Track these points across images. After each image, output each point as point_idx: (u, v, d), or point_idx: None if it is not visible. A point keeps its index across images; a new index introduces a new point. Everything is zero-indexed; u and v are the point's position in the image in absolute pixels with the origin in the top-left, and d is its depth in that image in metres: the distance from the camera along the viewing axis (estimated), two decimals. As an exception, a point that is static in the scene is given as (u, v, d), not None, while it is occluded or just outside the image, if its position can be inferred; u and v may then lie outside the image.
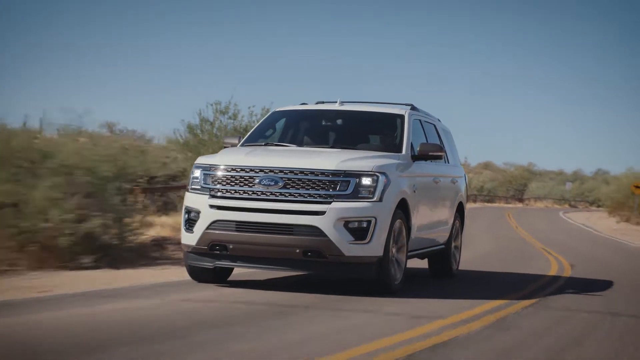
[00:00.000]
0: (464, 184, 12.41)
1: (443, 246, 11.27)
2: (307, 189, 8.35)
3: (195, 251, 8.74)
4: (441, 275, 11.57)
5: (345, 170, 8.41)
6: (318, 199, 8.32)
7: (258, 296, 8.35)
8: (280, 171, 8.43)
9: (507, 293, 9.73)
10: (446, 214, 11.17)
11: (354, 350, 5.68)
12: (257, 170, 8.49)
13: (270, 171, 8.45)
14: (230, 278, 9.42)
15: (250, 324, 6.63)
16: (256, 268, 8.77)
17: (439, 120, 12.17)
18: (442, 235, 11.09)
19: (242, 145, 9.88)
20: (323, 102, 10.95)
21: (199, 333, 6.08)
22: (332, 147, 9.53)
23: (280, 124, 10.52)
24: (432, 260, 11.55)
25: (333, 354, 5.50)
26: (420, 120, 10.65)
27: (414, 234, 9.48)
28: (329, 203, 8.30)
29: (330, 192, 8.34)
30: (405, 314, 7.58)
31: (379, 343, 5.98)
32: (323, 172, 8.39)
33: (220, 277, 9.26)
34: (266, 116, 10.58)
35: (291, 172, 8.41)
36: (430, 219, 10.31)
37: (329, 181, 8.37)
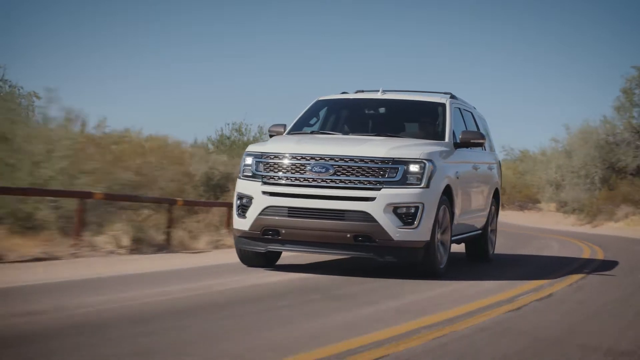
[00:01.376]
0: (499, 170, 12.69)
1: (480, 231, 11.56)
2: (357, 176, 8.64)
3: (248, 236, 9.04)
4: (478, 259, 11.86)
5: (393, 158, 8.69)
6: (368, 186, 8.61)
7: (310, 279, 8.65)
8: (331, 159, 8.72)
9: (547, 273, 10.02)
10: (484, 199, 11.45)
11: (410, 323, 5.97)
12: (309, 158, 8.78)
13: (321, 159, 8.74)
14: (278, 263, 9.75)
15: (293, 299, 6.93)
16: (308, 252, 9.07)
17: (475, 108, 12.44)
18: (480, 221, 11.37)
19: (288, 133, 10.17)
20: (363, 91, 11.22)
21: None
22: (376, 135, 9.81)
23: (322, 113, 10.81)
24: (470, 244, 11.85)
25: (389, 327, 5.79)
26: (459, 108, 10.92)
27: (456, 219, 9.76)
28: (379, 189, 8.59)
29: (380, 178, 8.62)
30: (451, 294, 7.87)
31: (433, 318, 6.29)
32: (372, 160, 8.67)
33: (269, 261, 9.59)
34: (310, 105, 10.84)
35: (341, 159, 8.70)
36: (470, 205, 10.59)
37: (378, 168, 8.65)
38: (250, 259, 9.47)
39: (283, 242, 8.92)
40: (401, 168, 8.67)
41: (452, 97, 10.96)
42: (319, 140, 9.37)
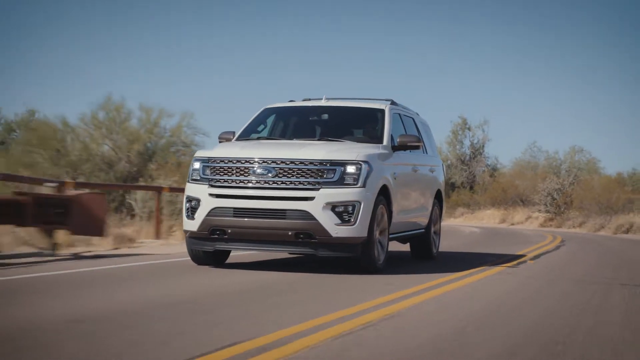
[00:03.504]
0: (442, 173, 13.35)
1: (423, 230, 12.19)
2: (298, 177, 9.24)
3: (197, 236, 9.62)
4: (422, 257, 12.48)
5: (331, 160, 9.30)
6: (307, 186, 9.21)
7: (254, 276, 9.23)
8: (273, 162, 9.32)
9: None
10: (425, 200, 12.07)
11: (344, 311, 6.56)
12: (252, 162, 9.37)
13: (264, 162, 9.33)
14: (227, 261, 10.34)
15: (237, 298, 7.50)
16: (253, 250, 9.67)
17: (418, 114, 13.10)
18: (422, 220, 12.00)
19: (237, 139, 10.77)
20: (310, 99, 11.85)
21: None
22: (318, 140, 10.42)
23: (270, 120, 11.42)
24: (414, 243, 12.48)
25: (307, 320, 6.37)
26: (399, 114, 11.57)
27: (395, 218, 10.38)
28: (317, 189, 9.19)
29: (319, 179, 9.23)
30: (379, 284, 8.48)
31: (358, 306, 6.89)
32: (312, 162, 9.28)
33: (219, 260, 10.17)
34: (257, 113, 11.43)
35: (283, 162, 9.30)
36: (410, 204, 11.22)
37: (317, 169, 9.25)
38: (200, 258, 10.03)
39: (229, 241, 9.49)
40: (339, 169, 9.28)
41: (393, 103, 11.61)
42: (262, 145, 9.97)
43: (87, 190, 13.68)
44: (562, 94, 68.14)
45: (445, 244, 16.42)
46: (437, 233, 12.95)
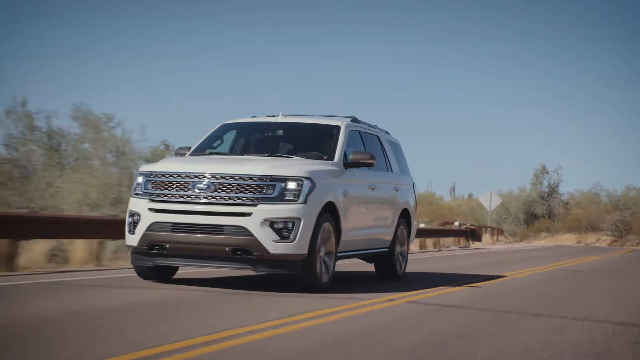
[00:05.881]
0: (412, 192, 13.10)
1: (386, 249, 11.99)
2: (236, 193, 9.13)
3: (137, 251, 9.54)
4: (387, 277, 12.27)
5: (271, 175, 9.18)
6: (246, 202, 9.10)
7: (190, 288, 9.13)
8: (213, 176, 9.22)
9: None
10: (386, 218, 11.86)
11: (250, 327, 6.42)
12: (192, 176, 9.28)
13: (204, 177, 9.24)
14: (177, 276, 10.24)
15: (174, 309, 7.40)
16: (192, 265, 9.57)
17: (387, 133, 12.93)
18: (383, 239, 11.79)
19: (190, 154, 10.70)
20: (274, 115, 11.75)
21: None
22: (269, 156, 10.30)
23: (228, 136, 11.34)
24: (378, 262, 12.29)
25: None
26: (359, 131, 11.42)
27: (346, 235, 10.21)
28: (255, 205, 9.07)
29: (257, 195, 9.10)
30: (296, 307, 8.32)
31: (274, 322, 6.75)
32: (251, 177, 9.16)
33: (166, 275, 10.07)
34: (215, 128, 11.36)
35: (222, 177, 9.20)
36: (365, 223, 11.03)
37: (256, 185, 9.13)
38: (145, 273, 9.94)
39: (169, 257, 9.39)
40: (278, 185, 9.15)
41: (354, 120, 11.47)
42: (205, 160, 9.88)
43: None
44: (622, 139, 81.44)
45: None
46: (404, 253, 12.70)
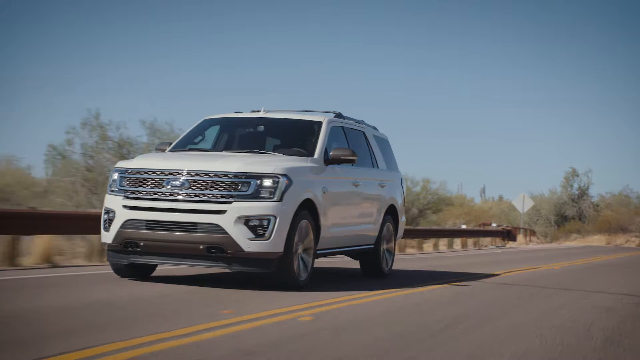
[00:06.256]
0: (399, 188, 12.94)
1: (372, 246, 11.84)
2: (211, 190, 9.00)
3: (112, 249, 9.42)
4: (372, 274, 12.13)
5: (246, 172, 9.04)
6: (220, 199, 8.96)
7: (158, 288, 9.01)
8: (188, 173, 9.08)
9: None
10: (371, 215, 11.71)
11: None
12: (167, 173, 9.15)
13: (178, 173, 9.11)
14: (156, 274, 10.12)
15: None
16: (166, 263, 9.44)
17: (375, 128, 12.76)
18: (367, 236, 11.64)
19: (170, 150, 10.57)
20: (258, 111, 11.59)
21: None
22: (249, 152, 10.16)
23: (210, 131, 11.21)
24: (363, 259, 12.15)
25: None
26: (343, 127, 11.26)
27: (326, 232, 10.06)
28: (230, 203, 8.93)
29: (232, 192, 8.97)
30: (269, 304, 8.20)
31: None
32: (226, 174, 9.03)
33: (143, 273, 9.95)
34: (197, 123, 11.22)
35: (197, 174, 9.07)
36: (348, 219, 10.88)
37: (231, 182, 9.00)
38: (122, 270, 9.83)
39: (144, 255, 9.27)
40: (253, 182, 9.01)
41: (338, 116, 11.31)
42: (180, 156, 9.74)
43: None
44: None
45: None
46: (391, 250, 12.56)
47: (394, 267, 13.14)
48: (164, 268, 11.02)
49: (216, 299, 8.37)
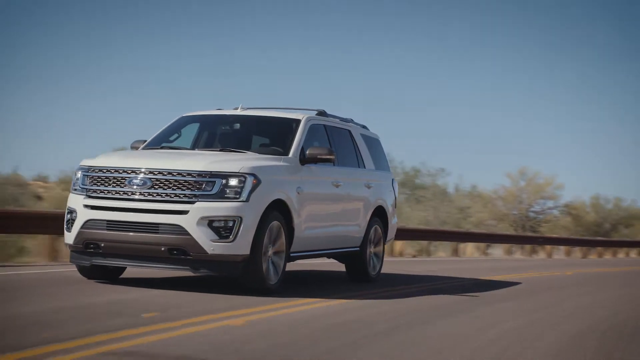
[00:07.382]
0: (388, 189, 12.45)
1: (357, 249, 11.39)
2: (173, 189, 8.62)
3: (74, 249, 9.08)
4: (358, 278, 11.68)
5: (211, 172, 8.65)
6: (183, 199, 8.58)
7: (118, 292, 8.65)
8: (150, 172, 8.72)
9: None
10: (355, 216, 11.22)
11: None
12: (130, 172, 8.79)
13: (141, 172, 8.75)
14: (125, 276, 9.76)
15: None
16: (128, 265, 9.06)
17: (364, 127, 12.30)
18: (351, 238, 11.17)
19: (143, 148, 10.21)
20: (238, 108, 11.18)
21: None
22: (222, 150, 9.78)
23: (189, 128, 10.84)
24: (348, 263, 11.70)
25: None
26: (324, 125, 10.83)
27: (300, 234, 9.63)
28: (193, 203, 8.56)
29: (195, 192, 8.58)
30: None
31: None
32: (189, 173, 8.65)
33: (113, 274, 9.58)
34: (173, 121, 10.85)
35: (160, 172, 8.69)
36: (327, 221, 10.43)
37: (195, 181, 8.62)
38: (87, 272, 9.49)
39: (106, 256, 8.92)
40: (218, 181, 8.63)
41: (320, 113, 10.91)
42: (144, 154, 9.38)
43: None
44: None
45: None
46: (379, 254, 12.06)
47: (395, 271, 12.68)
48: (135, 270, 10.61)
49: (148, 303, 7.96)
